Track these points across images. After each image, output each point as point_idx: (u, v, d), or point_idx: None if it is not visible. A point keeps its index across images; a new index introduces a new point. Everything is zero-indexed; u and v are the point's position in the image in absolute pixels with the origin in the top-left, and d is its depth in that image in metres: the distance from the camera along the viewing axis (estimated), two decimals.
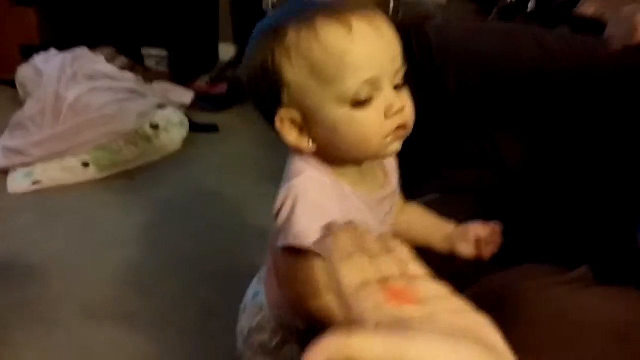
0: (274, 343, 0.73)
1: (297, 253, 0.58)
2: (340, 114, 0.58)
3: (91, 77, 1.94)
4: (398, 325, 0.36)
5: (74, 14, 2.50)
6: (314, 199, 0.60)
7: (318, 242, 0.53)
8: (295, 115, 0.60)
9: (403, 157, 0.72)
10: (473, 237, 0.73)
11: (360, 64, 0.57)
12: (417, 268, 0.43)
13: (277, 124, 0.61)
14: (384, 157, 0.64)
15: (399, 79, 0.60)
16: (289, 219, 0.60)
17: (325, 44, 0.57)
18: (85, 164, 1.82)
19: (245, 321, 0.77)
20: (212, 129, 2.20)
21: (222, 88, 2.50)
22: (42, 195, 1.73)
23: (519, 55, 0.89)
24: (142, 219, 1.65)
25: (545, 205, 0.83)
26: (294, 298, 0.59)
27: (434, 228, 0.76)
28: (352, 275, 0.40)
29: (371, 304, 0.37)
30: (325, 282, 0.59)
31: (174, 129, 2.03)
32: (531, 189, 0.86)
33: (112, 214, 1.67)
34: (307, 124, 0.60)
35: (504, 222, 0.73)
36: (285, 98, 0.60)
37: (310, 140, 0.61)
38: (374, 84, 0.58)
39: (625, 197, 0.69)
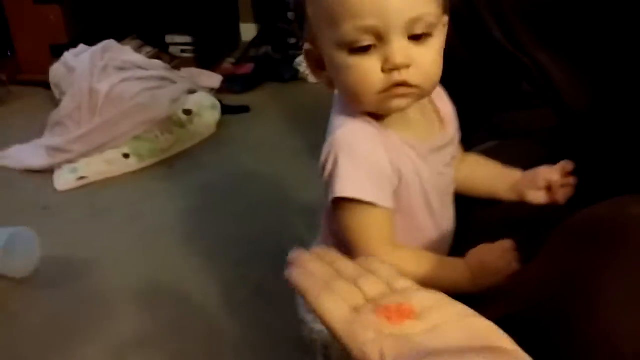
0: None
1: (348, 204, 0.59)
2: (338, 59, 0.57)
3: (121, 68, 1.96)
4: (404, 347, 0.34)
5: (98, 8, 2.52)
6: (358, 149, 0.60)
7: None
8: (314, 49, 0.61)
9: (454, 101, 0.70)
10: (543, 183, 0.69)
11: (358, 10, 0.54)
12: (404, 281, 0.41)
13: (303, 55, 0.63)
14: (387, 112, 0.61)
15: (419, 29, 0.55)
16: (333, 172, 0.60)
17: None
18: (126, 155, 1.84)
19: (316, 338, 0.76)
20: (244, 109, 2.20)
21: (247, 68, 2.50)
22: (88, 190, 1.76)
23: None
24: (185, 204, 1.68)
25: (615, 142, 0.79)
26: (351, 253, 0.58)
27: (498, 177, 0.72)
28: (337, 306, 0.37)
29: (370, 331, 0.35)
30: (379, 232, 0.61)
31: (206, 113, 2.04)
32: (599, 127, 0.82)
33: (157, 202, 1.70)
34: (324, 60, 0.61)
35: (575, 162, 0.69)
36: (306, 32, 0.61)
37: (327, 79, 0.62)
38: (375, 33, 0.55)
39: None
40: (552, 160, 0.73)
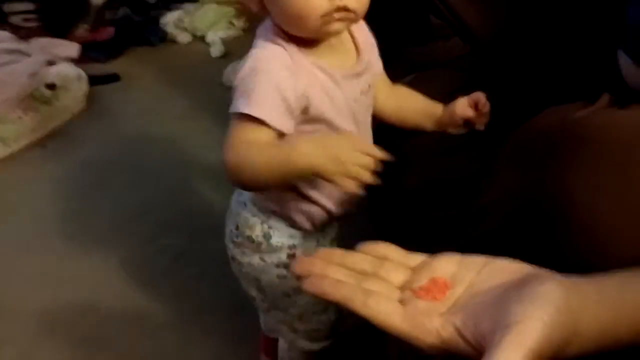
0: (260, 235, 0.75)
1: (248, 120, 0.61)
2: None
3: None
4: (465, 313, 0.36)
5: None
6: (266, 68, 0.63)
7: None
8: None
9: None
10: (461, 120, 0.75)
11: None
12: (415, 256, 0.43)
13: None
14: (325, 36, 0.64)
15: None
16: (245, 87, 0.62)
17: None
18: None
19: (231, 223, 0.78)
20: (113, 78, 2.04)
21: (107, 33, 2.30)
22: None
23: None
24: (72, 185, 1.53)
25: (524, 62, 0.87)
26: (236, 164, 0.62)
27: (423, 113, 0.77)
28: (388, 307, 0.38)
29: (433, 317, 0.36)
30: (268, 152, 0.62)
31: (73, 85, 1.85)
32: (503, 53, 0.89)
33: (37, 188, 1.53)
34: None
35: (488, 87, 0.75)
36: None
37: (260, 4, 0.64)
38: None
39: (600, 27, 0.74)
40: (470, 85, 0.79)
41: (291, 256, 0.76)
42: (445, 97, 0.79)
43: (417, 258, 0.43)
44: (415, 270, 0.42)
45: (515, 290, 0.37)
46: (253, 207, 0.76)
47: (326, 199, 0.73)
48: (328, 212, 0.74)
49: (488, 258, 0.42)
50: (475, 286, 0.39)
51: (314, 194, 0.72)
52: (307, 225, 0.75)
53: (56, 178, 1.56)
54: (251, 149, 0.61)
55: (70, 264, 1.28)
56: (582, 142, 0.52)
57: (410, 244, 0.49)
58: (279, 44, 0.64)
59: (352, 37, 0.70)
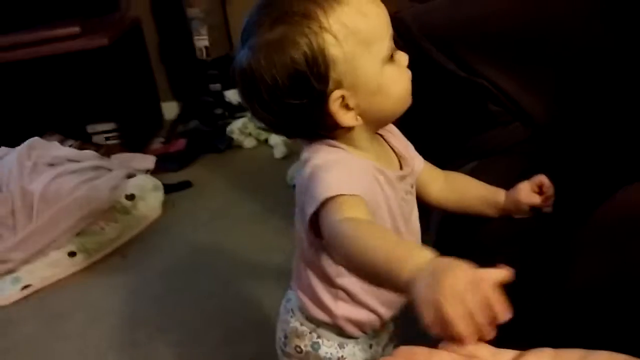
0: (309, 344, 0.72)
1: (332, 203, 0.57)
2: (382, 73, 0.62)
3: (52, 164, 1.86)
4: None
5: (13, 107, 2.40)
6: (337, 160, 0.62)
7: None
8: (345, 92, 0.61)
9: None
10: (527, 206, 0.74)
11: (386, 22, 0.62)
12: (505, 353, 0.41)
13: (331, 107, 0.61)
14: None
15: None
16: (314, 185, 0.59)
17: (362, 9, 0.60)
18: (72, 254, 1.72)
19: (280, 330, 0.77)
20: (186, 185, 2.15)
21: (180, 144, 2.46)
22: (37, 299, 1.62)
23: (514, 6, 0.91)
24: (149, 293, 1.58)
25: (586, 142, 0.85)
26: (345, 258, 0.55)
27: (485, 201, 0.77)
28: None
29: None
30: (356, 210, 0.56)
31: (149, 195, 1.97)
32: (565, 135, 0.88)
33: (116, 298, 1.58)
34: (356, 97, 0.61)
35: (551, 169, 0.74)
36: (331, 79, 0.60)
37: (357, 115, 0.63)
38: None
39: None
40: (533, 169, 0.78)
41: None
42: (509, 182, 0.78)
43: (507, 355, 0.41)
44: None
45: None
46: (301, 316, 0.73)
47: (380, 305, 0.70)
48: (380, 317, 0.71)
49: (584, 352, 0.39)
50: None
51: (368, 299, 0.69)
52: (357, 333, 0.72)
53: (135, 287, 1.61)
54: (363, 226, 0.54)
55: None
56: None
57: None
58: (338, 147, 0.64)
59: (387, 142, 0.71)
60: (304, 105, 0.61)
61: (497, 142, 0.94)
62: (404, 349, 0.41)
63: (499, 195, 0.76)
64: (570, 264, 0.62)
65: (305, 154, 0.65)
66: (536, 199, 0.73)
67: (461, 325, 0.40)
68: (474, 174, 0.90)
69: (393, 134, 0.73)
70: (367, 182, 0.62)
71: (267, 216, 1.88)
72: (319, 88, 0.59)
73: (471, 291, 0.41)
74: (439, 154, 0.84)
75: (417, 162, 0.74)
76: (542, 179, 0.73)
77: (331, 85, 0.60)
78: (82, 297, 1.61)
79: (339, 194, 0.56)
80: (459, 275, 0.41)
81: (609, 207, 0.60)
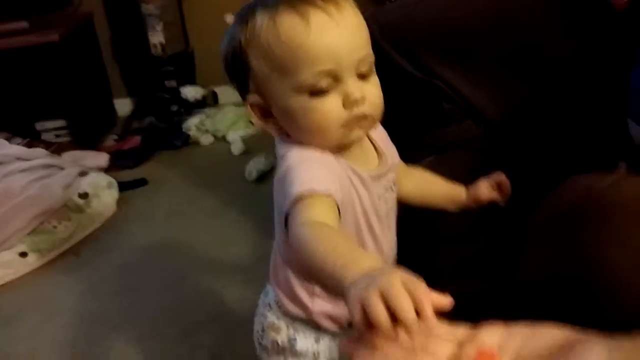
0: (286, 339, 0.73)
1: (305, 201, 0.56)
2: (298, 103, 0.59)
3: (1, 163, 1.80)
4: None
5: None
6: (312, 157, 0.61)
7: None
8: (260, 101, 0.63)
9: (386, 129, 0.76)
10: (487, 202, 0.77)
11: (315, 56, 0.57)
12: (459, 328, 0.43)
13: (247, 107, 0.64)
14: (348, 145, 0.64)
15: (364, 68, 0.60)
16: (288, 182, 0.58)
17: (282, 36, 0.58)
18: (23, 254, 1.68)
19: (257, 324, 0.77)
20: (141, 182, 2.13)
21: (134, 141, 2.43)
22: None
23: (469, 9, 0.95)
24: (105, 290, 1.56)
25: (536, 138, 0.90)
26: (296, 260, 0.54)
27: (448, 198, 0.79)
28: None
29: None
30: (321, 213, 0.55)
31: (103, 193, 1.94)
32: (514, 132, 0.94)
33: (71, 296, 1.55)
34: (272, 109, 0.63)
35: (503, 164, 0.79)
36: (251, 85, 0.63)
37: (277, 126, 0.64)
38: (332, 75, 0.58)
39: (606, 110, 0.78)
40: (485, 164, 0.83)
41: None
42: (464, 176, 0.82)
43: (461, 330, 0.44)
44: (461, 343, 0.42)
45: (561, 356, 0.37)
46: (278, 310, 0.74)
47: None
48: None
49: (531, 325, 0.42)
50: (521, 355, 0.40)
51: None
52: (334, 327, 0.73)
53: (90, 284, 1.59)
54: (320, 231, 0.53)
55: None
56: (611, 212, 0.55)
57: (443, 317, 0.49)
58: (312, 147, 0.63)
59: (369, 137, 0.71)
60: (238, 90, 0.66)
61: (452, 138, 0.98)
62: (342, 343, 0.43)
63: (460, 192, 0.79)
64: (522, 252, 0.67)
65: (280, 151, 0.64)
66: (495, 196, 0.77)
67: (382, 317, 0.38)
68: (431, 167, 0.94)
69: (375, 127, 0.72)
70: (340, 180, 0.61)
71: (225, 210, 1.88)
72: (239, 86, 0.64)
73: (401, 291, 0.39)
74: (397, 148, 0.87)
75: (395, 158, 0.74)
76: (501, 177, 0.76)
77: (251, 87, 0.63)
78: (35, 297, 1.57)
79: (310, 190, 0.56)
80: (394, 280, 0.40)
81: (554, 198, 0.64)
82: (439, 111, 0.99)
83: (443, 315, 0.45)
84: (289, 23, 0.58)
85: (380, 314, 0.38)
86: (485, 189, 0.77)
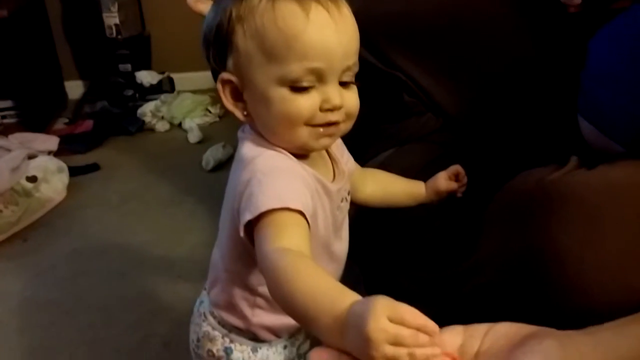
0: (221, 349, 0.71)
1: (271, 217, 0.53)
2: (276, 93, 0.58)
3: None
4: None
5: None
6: (282, 167, 0.59)
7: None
8: (236, 81, 0.60)
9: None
10: (446, 193, 0.79)
11: (308, 52, 0.56)
12: (423, 335, 0.41)
13: (218, 85, 0.61)
14: (310, 150, 0.63)
15: (347, 77, 0.59)
16: (256, 192, 0.56)
17: (280, 22, 0.56)
18: None
19: (193, 333, 0.76)
20: (93, 168, 2.07)
21: (86, 125, 2.36)
22: None
23: (427, 4, 0.98)
24: (56, 276, 1.51)
25: (492, 132, 0.94)
26: (272, 292, 0.51)
27: (408, 195, 0.80)
28: None
29: None
30: (297, 236, 0.52)
31: (53, 178, 1.87)
32: (473, 126, 0.97)
33: (17, 282, 1.50)
34: (245, 92, 0.61)
35: (461, 157, 0.82)
36: (230, 62, 0.60)
37: (244, 111, 0.62)
38: (318, 75, 0.57)
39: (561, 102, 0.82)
40: (444, 156, 0.86)
41: None
42: (423, 168, 0.85)
43: (424, 336, 0.43)
44: (421, 345, 0.43)
45: (519, 351, 0.39)
46: (213, 320, 0.72)
47: None
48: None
49: (489, 325, 0.43)
50: (482, 355, 0.41)
51: None
52: (272, 338, 0.72)
53: (38, 270, 1.54)
54: (295, 264, 0.49)
55: (55, 355, 1.24)
56: (560, 202, 0.58)
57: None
58: (277, 150, 0.61)
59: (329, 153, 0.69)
60: (212, 67, 0.63)
61: (412, 130, 1.00)
62: (315, 353, 0.43)
63: (419, 187, 0.80)
64: (477, 240, 0.70)
65: (245, 151, 0.62)
66: (454, 186, 0.78)
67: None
68: (392, 159, 0.97)
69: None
70: (310, 194, 0.59)
71: (180, 199, 1.86)
72: (214, 62, 0.62)
73: (396, 331, 0.39)
74: (358, 140, 0.88)
75: (350, 164, 0.74)
76: (458, 168, 0.78)
77: (228, 65, 0.60)
78: None
79: (283, 206, 0.53)
80: (380, 322, 0.39)
81: (508, 189, 0.68)
82: (400, 104, 1.01)
83: None
84: (288, 10, 0.56)
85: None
86: (443, 180, 0.79)
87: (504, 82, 0.95)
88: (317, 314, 0.44)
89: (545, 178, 0.62)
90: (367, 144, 1.03)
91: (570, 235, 0.55)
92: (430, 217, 0.84)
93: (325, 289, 0.46)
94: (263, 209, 0.53)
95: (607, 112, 0.70)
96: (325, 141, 0.61)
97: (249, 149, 0.62)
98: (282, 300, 0.49)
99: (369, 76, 1.03)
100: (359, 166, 0.78)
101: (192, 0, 1.15)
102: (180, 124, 2.39)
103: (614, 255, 0.54)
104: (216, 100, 2.46)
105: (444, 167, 0.79)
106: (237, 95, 0.62)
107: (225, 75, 0.61)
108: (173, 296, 1.40)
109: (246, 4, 0.58)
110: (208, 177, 1.98)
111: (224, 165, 2.02)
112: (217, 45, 0.61)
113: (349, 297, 0.43)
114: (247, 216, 0.54)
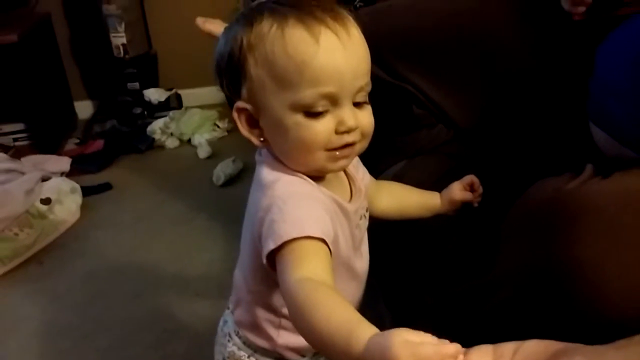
0: None
1: (293, 246, 0.53)
2: (291, 119, 0.58)
3: None
4: None
5: None
6: (302, 194, 0.59)
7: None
8: (251, 109, 0.61)
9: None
10: (460, 203, 0.79)
11: (319, 77, 0.56)
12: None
13: (234, 113, 0.62)
14: (328, 172, 0.63)
15: (360, 97, 0.59)
16: (278, 218, 0.56)
17: (289, 48, 0.56)
18: None
19: (218, 353, 0.76)
20: (106, 187, 2.09)
21: (97, 145, 2.38)
22: None
23: (433, 20, 0.98)
24: (72, 299, 1.52)
25: (505, 142, 0.94)
26: (293, 320, 0.52)
27: (423, 207, 0.80)
28: None
29: None
30: (321, 266, 0.52)
31: (67, 199, 1.89)
32: (484, 137, 0.97)
33: (35, 306, 1.51)
34: (260, 119, 0.61)
35: (473, 168, 0.82)
36: (244, 91, 0.60)
37: (261, 137, 0.62)
38: (331, 99, 0.57)
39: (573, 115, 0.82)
40: (457, 168, 0.85)
41: None
42: (435, 180, 0.85)
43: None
44: None
45: None
46: (238, 340, 0.73)
47: None
48: None
49: (517, 343, 0.43)
50: None
51: None
52: (296, 357, 0.71)
53: (56, 294, 1.55)
54: (316, 294, 0.50)
55: None
56: (578, 213, 0.58)
57: (425, 324, 0.51)
58: (295, 175, 0.61)
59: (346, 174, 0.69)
60: (226, 95, 0.63)
61: (423, 143, 1.01)
62: None
63: (434, 198, 0.80)
64: (495, 253, 0.69)
65: (264, 175, 0.62)
66: (469, 196, 0.78)
67: None
68: (403, 172, 0.97)
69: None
70: (330, 219, 0.59)
71: (193, 216, 1.87)
72: (227, 90, 0.62)
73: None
74: (369, 153, 0.89)
75: (365, 179, 0.73)
76: (473, 178, 0.78)
77: (243, 93, 0.61)
78: None
79: (305, 235, 0.53)
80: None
81: (524, 200, 0.67)
82: (410, 116, 1.01)
83: (416, 325, 0.46)
84: (297, 37, 0.56)
85: None
86: (458, 191, 0.78)
87: (512, 92, 0.95)
88: (335, 351, 0.44)
89: (562, 188, 0.62)
90: (378, 156, 1.03)
91: (591, 246, 0.55)
92: (448, 230, 0.84)
93: (342, 322, 0.46)
94: (286, 238, 0.53)
95: (617, 120, 0.70)
96: (342, 163, 0.61)
97: (267, 173, 0.62)
98: (301, 332, 0.50)
99: (377, 89, 1.04)
100: (374, 179, 0.78)
101: (201, 20, 1.16)
102: (189, 140, 2.40)
103: (636, 264, 0.54)
104: (224, 114, 2.48)
105: (457, 179, 0.79)
106: (253, 122, 0.62)
107: (240, 104, 0.61)
108: (191, 314, 1.41)
109: (256, 31, 0.58)
110: (220, 192, 1.99)
111: (235, 180, 2.02)
112: (230, 73, 0.61)
113: (364, 331, 0.43)
114: (270, 245, 0.55)
